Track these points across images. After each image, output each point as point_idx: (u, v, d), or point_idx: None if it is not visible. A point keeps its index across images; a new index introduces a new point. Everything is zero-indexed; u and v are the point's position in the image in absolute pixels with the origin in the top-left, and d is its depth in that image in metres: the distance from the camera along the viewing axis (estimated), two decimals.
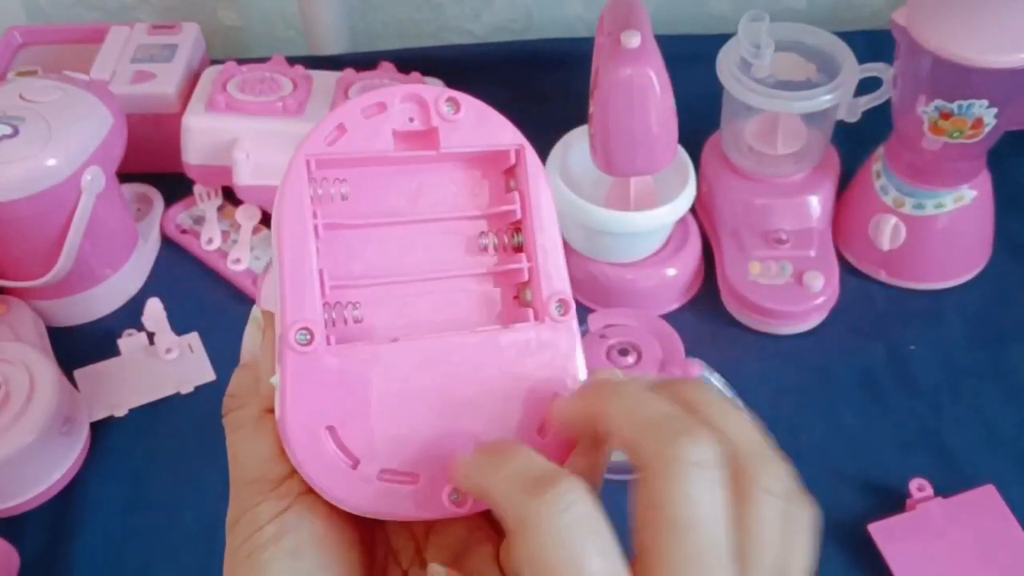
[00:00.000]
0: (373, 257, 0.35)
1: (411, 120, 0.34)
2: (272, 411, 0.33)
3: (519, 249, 0.36)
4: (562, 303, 0.35)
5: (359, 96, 0.34)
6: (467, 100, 0.35)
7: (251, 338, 0.36)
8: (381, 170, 0.35)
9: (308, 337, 0.32)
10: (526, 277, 0.35)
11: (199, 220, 0.84)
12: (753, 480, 0.29)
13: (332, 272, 0.34)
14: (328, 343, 0.32)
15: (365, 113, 0.34)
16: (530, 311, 0.35)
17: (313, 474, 0.32)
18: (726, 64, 0.74)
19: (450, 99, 0.34)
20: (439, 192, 0.35)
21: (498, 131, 0.35)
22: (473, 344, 0.34)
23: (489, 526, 0.36)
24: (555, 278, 0.35)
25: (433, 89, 0.35)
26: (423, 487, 0.33)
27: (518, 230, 0.36)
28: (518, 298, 0.36)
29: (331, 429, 0.32)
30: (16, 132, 0.69)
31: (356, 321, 0.34)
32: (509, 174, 0.36)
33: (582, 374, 0.35)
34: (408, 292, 0.35)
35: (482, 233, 0.36)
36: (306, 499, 0.33)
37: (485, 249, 0.36)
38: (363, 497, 0.32)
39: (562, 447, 0.34)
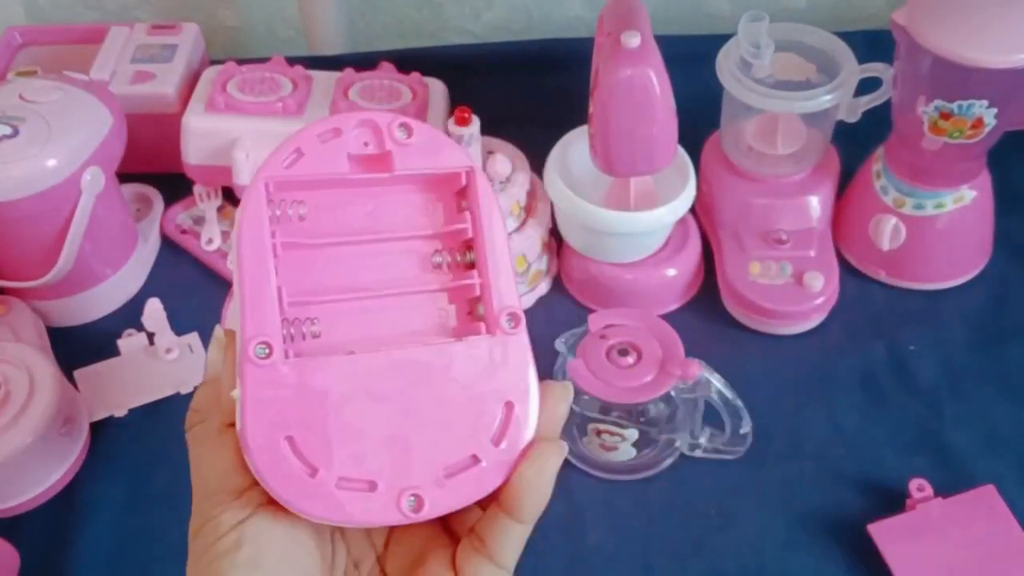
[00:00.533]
0: (331, 275, 0.36)
1: (366, 144, 0.36)
2: (233, 425, 0.34)
3: (471, 266, 0.37)
4: (512, 316, 0.36)
5: (314, 122, 0.36)
6: (419, 126, 0.37)
7: (213, 356, 0.37)
8: (338, 192, 0.36)
9: (267, 351, 0.33)
10: (478, 292, 0.37)
11: (199, 220, 0.84)
12: None
13: (290, 289, 0.35)
14: (286, 357, 0.34)
15: (321, 138, 0.36)
16: (482, 325, 0.36)
17: (273, 482, 0.33)
18: (726, 64, 0.74)
19: (403, 124, 0.36)
20: (394, 213, 0.37)
21: (449, 155, 0.37)
22: (427, 356, 0.35)
23: (446, 532, 0.37)
24: (505, 293, 0.36)
25: (386, 116, 0.36)
26: (381, 494, 0.34)
27: (470, 248, 0.37)
28: (471, 313, 0.37)
29: (289, 439, 0.33)
30: (16, 132, 0.69)
31: (314, 336, 0.35)
32: (461, 195, 0.38)
33: (533, 384, 0.36)
34: (365, 308, 0.36)
35: (436, 251, 0.38)
36: (266, 509, 0.34)
37: (439, 267, 0.37)
38: (321, 505, 0.33)
39: (515, 455, 0.35)
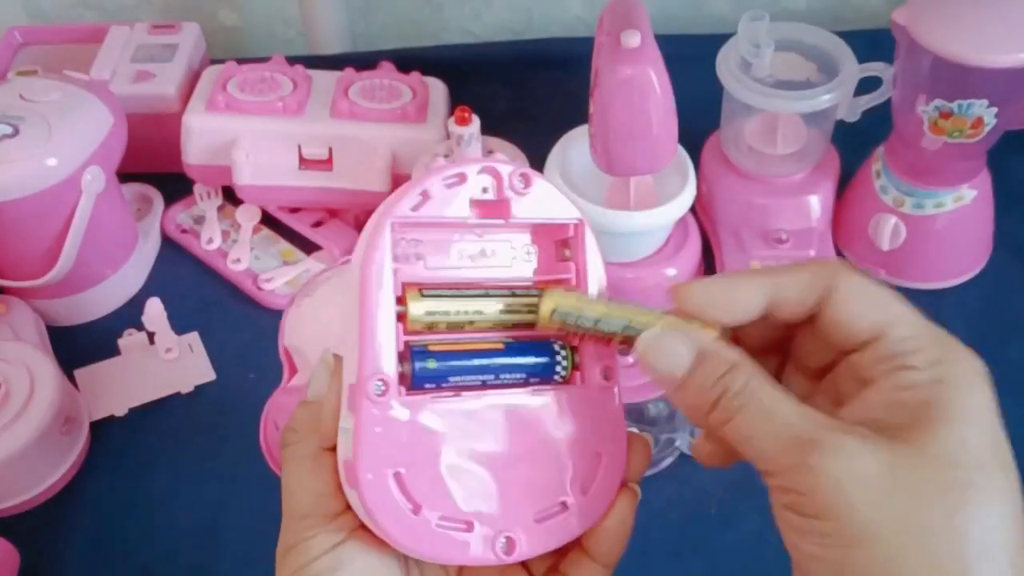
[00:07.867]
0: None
1: (484, 190, 0.37)
2: (331, 449, 0.35)
3: None
4: (608, 369, 0.38)
5: (442, 166, 0.37)
6: (536, 177, 0.38)
7: (319, 379, 0.38)
8: (450, 233, 0.38)
9: (383, 388, 0.34)
10: (577, 341, 0.38)
11: (199, 220, 0.84)
12: None
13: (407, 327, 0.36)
14: (400, 395, 0.35)
15: (446, 182, 0.37)
16: (578, 375, 0.38)
17: (378, 517, 0.34)
18: (726, 64, 0.74)
19: (523, 175, 0.38)
20: (499, 256, 0.38)
21: (559, 206, 0.38)
22: (528, 403, 0.36)
23: (523, 568, 0.38)
24: (603, 347, 0.38)
25: (508, 165, 0.38)
26: (476, 535, 0.35)
27: None
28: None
29: (397, 475, 0.34)
30: (16, 132, 0.69)
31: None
32: (563, 244, 0.39)
33: (623, 438, 0.38)
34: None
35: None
36: (358, 534, 0.35)
37: None
38: (422, 542, 0.34)
39: (601, 503, 0.37)
